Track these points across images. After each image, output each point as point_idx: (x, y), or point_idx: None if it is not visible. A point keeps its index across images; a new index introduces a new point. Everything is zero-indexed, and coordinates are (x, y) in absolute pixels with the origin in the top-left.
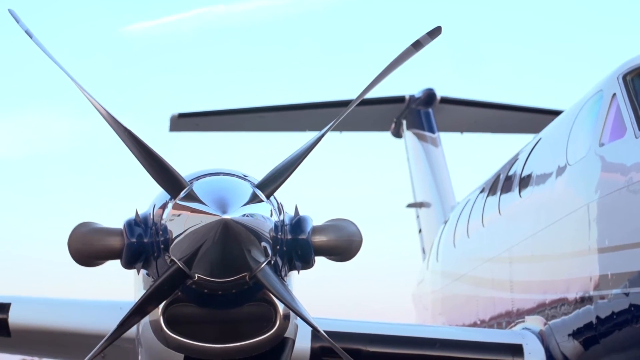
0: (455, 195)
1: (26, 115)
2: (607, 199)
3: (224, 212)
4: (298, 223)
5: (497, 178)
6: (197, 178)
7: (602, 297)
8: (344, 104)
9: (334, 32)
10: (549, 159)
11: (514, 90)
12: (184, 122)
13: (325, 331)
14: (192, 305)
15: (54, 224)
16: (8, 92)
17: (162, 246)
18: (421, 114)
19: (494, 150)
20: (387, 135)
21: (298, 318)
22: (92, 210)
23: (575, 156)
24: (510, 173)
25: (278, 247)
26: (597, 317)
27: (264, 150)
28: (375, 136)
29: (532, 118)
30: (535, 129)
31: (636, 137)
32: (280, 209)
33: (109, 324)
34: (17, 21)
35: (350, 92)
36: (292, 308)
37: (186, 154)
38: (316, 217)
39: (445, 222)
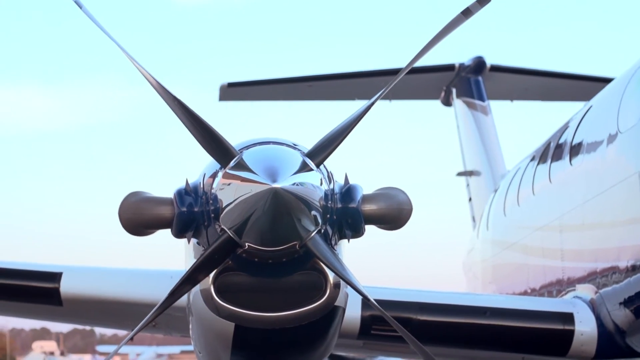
0: (506, 164)
1: (76, 87)
2: None
3: (274, 181)
4: (348, 192)
5: (547, 146)
6: (247, 147)
7: None
8: (394, 72)
9: (384, 0)
10: (599, 127)
11: (565, 57)
12: (233, 91)
13: (375, 300)
14: (242, 274)
15: (104, 193)
16: (58, 64)
17: (212, 215)
18: (471, 82)
19: (544, 118)
20: (436, 103)
21: (348, 287)
22: (142, 179)
23: (626, 124)
24: (561, 141)
25: (328, 215)
26: None
27: (314, 119)
28: (424, 104)
29: (582, 86)
30: (586, 96)
31: None
32: (330, 178)
33: (159, 293)
34: None
35: (399, 61)
36: (342, 276)
37: (236, 123)
38: (366, 185)
39: (496, 191)
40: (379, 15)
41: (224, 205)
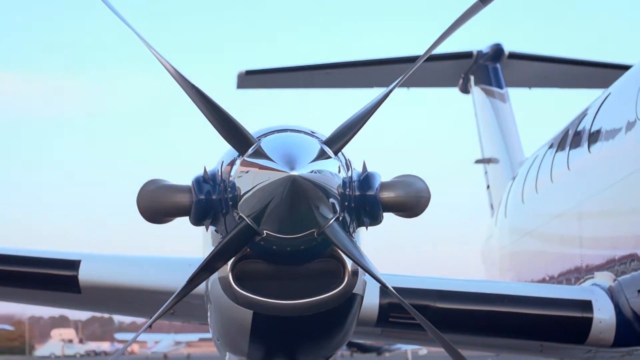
0: (524, 151)
1: (95, 75)
2: None
3: (292, 168)
4: (366, 179)
5: (565, 133)
6: (265, 135)
7: None
8: (412, 60)
9: None
10: (618, 114)
11: (583, 44)
12: (251, 79)
13: (393, 287)
14: (260, 262)
15: (122, 181)
16: (78, 51)
17: (230, 203)
18: (489, 70)
19: (563, 105)
20: (454, 91)
21: (366, 274)
22: (160, 167)
23: None
24: (579, 128)
25: (346, 203)
26: None
27: (331, 107)
28: (442, 92)
29: (601, 73)
30: (604, 83)
31: None
32: (348, 165)
33: (178, 281)
34: None
35: (417, 48)
36: (360, 264)
37: (254, 111)
38: (384, 173)
39: (514, 178)
40: (398, 2)
41: (242, 193)
